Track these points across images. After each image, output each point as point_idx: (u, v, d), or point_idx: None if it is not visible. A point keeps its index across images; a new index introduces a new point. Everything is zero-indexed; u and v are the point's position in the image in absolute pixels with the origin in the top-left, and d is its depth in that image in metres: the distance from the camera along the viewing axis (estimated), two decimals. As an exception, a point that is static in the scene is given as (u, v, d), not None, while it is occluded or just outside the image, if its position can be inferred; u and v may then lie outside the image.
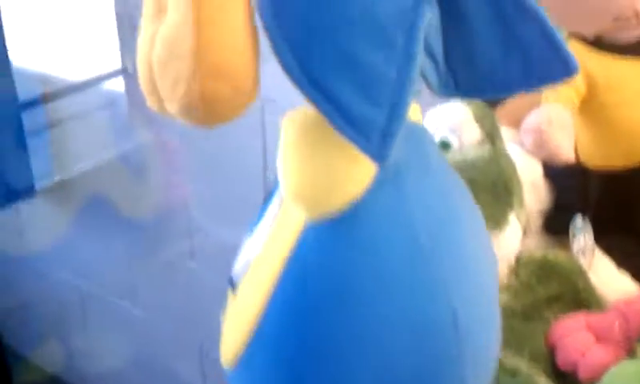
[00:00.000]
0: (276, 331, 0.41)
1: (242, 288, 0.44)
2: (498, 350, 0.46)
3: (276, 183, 0.44)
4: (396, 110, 0.34)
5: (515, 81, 0.40)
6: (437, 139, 0.61)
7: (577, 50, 0.75)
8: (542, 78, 0.40)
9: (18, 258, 1.99)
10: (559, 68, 0.39)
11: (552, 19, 0.77)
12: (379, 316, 0.40)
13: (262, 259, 0.43)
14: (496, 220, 0.58)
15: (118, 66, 1.69)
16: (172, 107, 0.35)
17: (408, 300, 0.40)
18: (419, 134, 0.42)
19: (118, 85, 1.72)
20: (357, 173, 0.38)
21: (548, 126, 0.69)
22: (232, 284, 0.46)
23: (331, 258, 0.40)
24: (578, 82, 0.74)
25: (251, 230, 0.46)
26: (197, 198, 1.61)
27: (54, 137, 1.85)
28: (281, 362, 0.41)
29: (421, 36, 0.34)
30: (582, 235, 0.69)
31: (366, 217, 0.39)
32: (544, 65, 0.39)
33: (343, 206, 0.38)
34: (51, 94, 1.75)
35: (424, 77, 0.40)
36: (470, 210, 0.45)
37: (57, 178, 1.80)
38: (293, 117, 0.40)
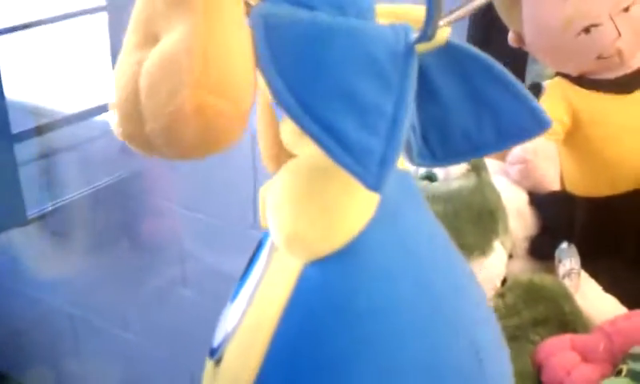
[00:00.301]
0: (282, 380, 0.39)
1: (229, 354, 0.41)
2: (511, 371, 0.45)
3: (260, 243, 0.43)
4: (393, 139, 0.34)
5: (489, 143, 0.41)
6: (423, 172, 0.63)
7: (562, 86, 0.79)
8: (515, 136, 0.41)
9: (11, 286, 1.99)
10: (531, 124, 0.40)
11: (539, 59, 0.80)
12: (396, 355, 0.38)
13: (253, 316, 0.40)
14: (481, 247, 0.60)
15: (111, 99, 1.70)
16: (156, 126, 0.33)
17: (427, 338, 0.39)
18: (408, 178, 0.43)
19: (111, 117, 1.74)
20: (355, 209, 0.38)
21: (533, 157, 0.72)
22: (213, 354, 0.43)
23: (336, 298, 0.38)
24: (563, 114, 0.77)
25: (233, 297, 0.44)
26: (188, 225, 1.62)
27: (47, 166, 1.86)
28: None
29: (413, 77, 0.35)
30: (568, 260, 0.71)
31: (369, 253, 0.38)
32: (516, 124, 0.41)
33: (343, 243, 0.38)
34: (45, 126, 1.77)
35: (405, 149, 0.41)
36: (452, 245, 0.45)
37: (49, 207, 1.80)
38: (278, 175, 0.40)
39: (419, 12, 0.37)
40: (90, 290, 1.89)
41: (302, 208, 0.38)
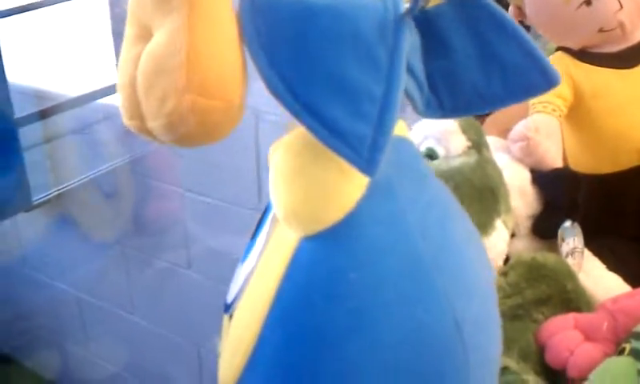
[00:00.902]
0: (276, 350, 0.40)
1: (237, 313, 0.44)
2: (500, 353, 0.46)
3: (266, 208, 0.45)
4: (383, 124, 0.34)
5: (497, 97, 0.41)
6: (424, 149, 0.63)
7: (564, 60, 0.78)
8: (523, 91, 0.41)
9: (17, 269, 2.01)
10: (540, 80, 0.40)
11: (540, 33, 0.79)
12: (382, 327, 0.39)
13: (256, 282, 0.43)
14: (483, 225, 0.59)
15: (115, 80, 1.70)
16: (156, 125, 0.35)
17: (411, 310, 0.39)
18: (406, 146, 0.43)
19: (114, 99, 1.74)
20: (348, 186, 0.38)
21: (535, 134, 0.71)
22: (227, 310, 0.45)
23: (328, 272, 0.39)
24: (565, 90, 0.76)
25: (244, 257, 0.46)
26: (193, 207, 1.62)
27: (51, 150, 1.86)
28: (282, 379, 0.41)
29: (404, 56, 0.35)
30: (572, 238, 0.70)
31: (360, 227, 0.39)
32: (525, 79, 0.40)
33: (336, 220, 0.39)
34: (48, 110, 1.77)
35: (409, 98, 0.41)
36: (461, 217, 0.46)
37: (54, 191, 1.81)
38: (281, 140, 0.40)
39: None
40: (96, 274, 1.90)
41: (297, 185, 0.39)
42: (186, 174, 1.61)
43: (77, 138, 1.86)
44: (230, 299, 0.45)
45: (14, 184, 1.63)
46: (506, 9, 0.80)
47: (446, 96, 0.42)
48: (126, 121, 0.37)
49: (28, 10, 1.82)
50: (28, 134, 1.68)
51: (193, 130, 0.34)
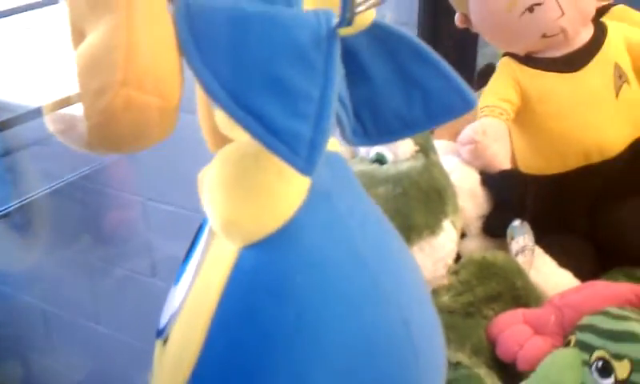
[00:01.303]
0: (220, 361, 0.39)
1: (174, 335, 0.42)
2: (445, 352, 0.47)
3: (199, 229, 0.44)
4: (321, 122, 0.34)
5: (419, 121, 0.43)
6: (373, 154, 0.64)
7: (510, 66, 0.80)
8: (444, 114, 0.43)
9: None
10: (459, 104, 0.42)
11: (487, 40, 0.81)
12: (330, 328, 0.39)
13: (194, 299, 0.41)
14: (431, 226, 0.61)
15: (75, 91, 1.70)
16: (89, 124, 0.34)
17: (360, 314, 0.39)
18: (340, 160, 0.44)
19: (75, 110, 1.73)
20: (288, 192, 0.38)
21: (483, 137, 0.73)
22: (160, 335, 0.44)
23: (272, 276, 0.39)
24: (511, 94, 0.78)
25: (177, 279, 0.45)
26: (155, 215, 1.62)
27: (11, 163, 1.84)
28: None
29: (337, 61, 0.36)
30: (521, 236, 0.72)
31: (302, 232, 0.39)
32: (444, 103, 0.42)
33: (277, 227, 0.39)
34: (9, 121, 1.75)
35: (338, 124, 0.42)
36: (392, 229, 0.46)
37: (16, 203, 1.79)
38: (214, 158, 0.40)
39: None
40: (59, 285, 1.89)
41: (235, 193, 0.39)
42: (147, 183, 1.61)
43: (36, 149, 1.85)
44: (162, 323, 0.44)
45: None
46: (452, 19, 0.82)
47: (370, 123, 0.44)
48: (54, 126, 0.37)
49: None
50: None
51: (127, 130, 0.34)
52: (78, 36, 0.35)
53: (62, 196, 1.76)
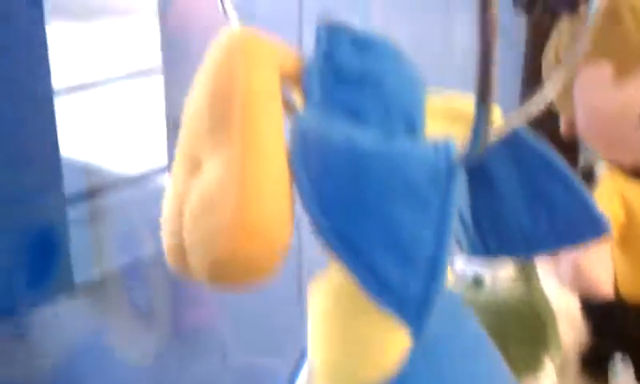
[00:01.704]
0: None
1: None
2: None
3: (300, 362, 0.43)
4: (434, 277, 0.33)
5: (544, 242, 0.40)
6: (471, 274, 0.61)
7: (615, 180, 0.76)
8: (571, 238, 0.40)
9: (55, 353, 2.01)
10: (589, 228, 0.39)
11: (591, 149, 0.78)
12: None
13: None
14: (529, 362, 0.58)
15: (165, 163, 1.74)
16: (201, 264, 0.34)
17: None
18: (453, 299, 0.41)
19: (163, 181, 1.77)
20: (391, 345, 0.36)
21: (585, 260, 0.69)
22: None
23: None
24: (616, 210, 0.74)
25: None
26: (229, 312, 1.62)
27: (96, 230, 1.89)
28: None
29: (455, 198, 0.34)
30: (622, 374, 0.68)
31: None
32: (573, 225, 0.39)
33: (376, 381, 0.36)
34: (97, 188, 1.80)
35: (456, 239, 0.40)
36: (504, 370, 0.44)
37: (96, 273, 1.82)
38: (320, 285, 0.38)
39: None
40: (126, 370, 1.89)
41: (335, 339, 0.37)
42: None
43: (123, 218, 1.89)
44: None
45: (57, 264, 1.65)
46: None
47: (491, 237, 0.41)
48: (169, 259, 0.36)
49: (84, 89, 1.88)
50: (75, 212, 1.71)
51: (238, 272, 0.33)
52: (191, 163, 0.35)
53: (142, 267, 1.78)
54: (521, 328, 0.58)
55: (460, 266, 0.63)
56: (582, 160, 1.01)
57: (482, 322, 0.56)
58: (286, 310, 1.46)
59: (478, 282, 0.61)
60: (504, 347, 0.55)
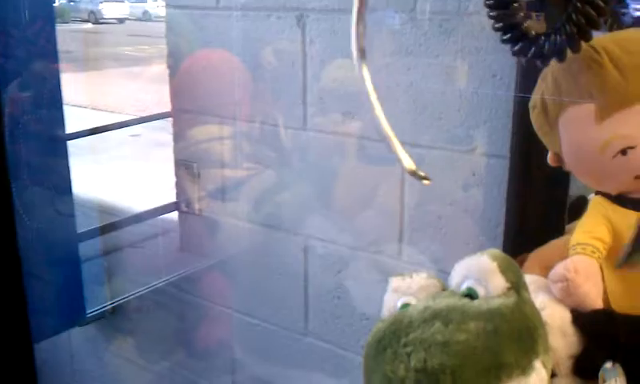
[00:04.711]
0: None
1: None
2: None
3: None
4: None
5: None
6: (464, 289, 0.65)
7: (602, 204, 0.80)
8: None
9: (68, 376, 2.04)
10: None
11: (579, 179, 0.82)
12: None
13: None
14: (521, 366, 0.60)
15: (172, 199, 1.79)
16: None
17: None
18: None
19: (171, 217, 1.83)
20: None
21: (575, 276, 0.73)
22: None
23: None
24: (604, 233, 0.78)
25: None
26: (240, 328, 1.66)
27: (108, 263, 1.93)
28: None
29: None
30: (613, 379, 0.71)
31: None
32: None
33: None
34: (109, 226, 1.85)
35: None
36: None
37: (108, 305, 1.87)
38: None
39: None
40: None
41: None
42: (235, 294, 1.66)
43: (133, 252, 1.94)
44: None
45: (70, 298, 1.69)
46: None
47: None
48: None
49: (95, 133, 1.94)
50: (88, 248, 1.76)
51: None
52: None
53: (151, 301, 1.82)
54: (512, 334, 0.61)
55: (454, 279, 0.67)
56: (575, 189, 1.06)
57: (477, 329, 0.60)
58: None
59: (471, 293, 0.64)
60: (497, 352, 0.60)
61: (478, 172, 1.18)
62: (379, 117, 0.66)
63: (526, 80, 0.88)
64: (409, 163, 0.67)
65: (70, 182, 1.62)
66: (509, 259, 0.66)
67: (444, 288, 0.69)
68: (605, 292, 0.80)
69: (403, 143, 1.26)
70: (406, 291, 0.68)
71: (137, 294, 1.85)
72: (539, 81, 0.82)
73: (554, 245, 0.93)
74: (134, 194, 2.05)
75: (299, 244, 1.44)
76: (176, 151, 1.72)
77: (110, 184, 2.09)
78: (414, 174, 0.66)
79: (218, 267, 1.68)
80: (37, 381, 1.61)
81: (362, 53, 0.69)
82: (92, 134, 1.94)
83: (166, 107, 1.74)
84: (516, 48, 0.74)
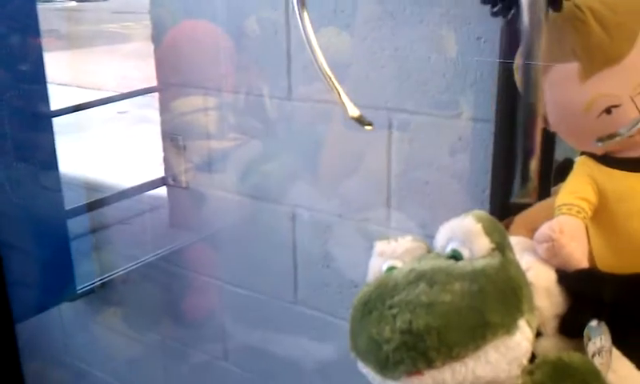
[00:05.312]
0: None
1: None
2: None
3: None
4: None
5: None
6: (449, 250, 0.65)
7: (588, 165, 0.80)
8: None
9: (60, 358, 2.05)
10: None
11: (564, 140, 0.82)
12: None
13: None
14: (506, 325, 0.61)
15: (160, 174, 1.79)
16: None
17: None
18: None
19: (160, 191, 1.82)
20: None
21: (560, 236, 0.73)
22: None
23: None
24: (589, 193, 0.78)
25: None
26: (230, 299, 1.66)
27: (97, 240, 1.93)
28: None
29: None
30: (598, 337, 0.71)
31: None
32: None
33: None
34: (96, 202, 1.84)
35: None
36: None
37: (97, 280, 1.87)
38: None
39: None
40: (135, 365, 1.93)
41: None
42: (224, 266, 1.66)
43: (122, 228, 1.93)
44: None
45: (60, 275, 1.69)
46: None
47: None
48: None
49: (81, 109, 1.93)
50: (76, 225, 1.76)
51: None
52: None
53: (141, 275, 1.82)
54: (497, 294, 0.61)
55: (439, 241, 0.67)
56: (562, 148, 1.06)
57: (462, 289, 0.60)
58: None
59: (456, 255, 0.64)
60: (482, 312, 0.60)
61: (464, 137, 1.18)
62: (322, 65, 0.68)
63: (511, 42, 0.87)
64: (352, 110, 0.68)
65: (55, 158, 1.61)
66: (493, 220, 0.66)
67: (429, 251, 0.69)
68: (590, 252, 0.81)
69: (389, 109, 1.26)
70: (392, 255, 0.68)
71: (127, 269, 1.85)
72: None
73: (539, 207, 0.93)
74: (122, 171, 2.04)
75: (287, 213, 1.44)
76: (163, 125, 1.71)
77: (97, 161, 2.08)
78: (357, 120, 0.68)
79: (207, 241, 1.68)
80: (19, 357, 1.62)
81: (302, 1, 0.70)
82: (77, 111, 1.92)
83: (153, 83, 1.73)
84: (495, 9, 0.74)
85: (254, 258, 1.55)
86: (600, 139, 0.75)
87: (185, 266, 1.76)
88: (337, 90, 0.71)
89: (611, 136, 0.73)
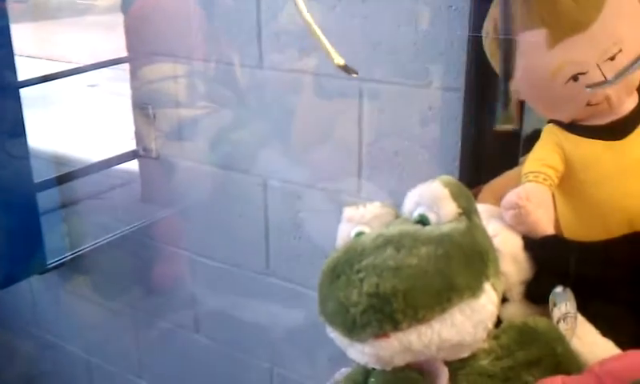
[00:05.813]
0: None
1: None
2: None
3: None
4: None
5: None
6: (416, 216, 0.65)
7: (555, 132, 0.81)
8: None
9: (30, 331, 2.03)
10: None
11: (532, 107, 0.83)
12: None
13: None
14: (472, 288, 0.61)
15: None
16: None
17: None
18: None
19: (132, 166, 1.81)
20: None
21: (526, 203, 0.74)
22: None
23: None
24: (556, 160, 0.79)
25: None
26: (201, 270, 1.66)
27: (67, 215, 1.91)
28: None
29: None
30: (564, 303, 0.72)
31: None
32: None
33: None
34: (66, 175, 1.82)
35: None
36: None
37: (69, 255, 1.85)
38: None
39: None
40: (105, 337, 1.93)
41: None
42: (196, 238, 1.65)
43: (93, 203, 1.92)
44: None
45: (30, 247, 1.67)
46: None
47: None
48: None
49: (50, 80, 1.90)
50: (45, 199, 1.73)
51: None
52: None
53: (113, 249, 1.81)
54: (462, 258, 0.62)
55: (407, 207, 0.67)
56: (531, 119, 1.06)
57: (428, 253, 0.61)
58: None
59: (423, 220, 0.65)
60: (448, 275, 0.60)
61: (435, 106, 1.19)
62: (307, 19, 0.69)
63: (482, 10, 0.87)
64: (338, 59, 0.71)
65: (23, 127, 1.59)
66: (460, 185, 0.67)
67: (398, 216, 0.69)
68: (556, 219, 0.82)
69: (359, 78, 1.25)
70: (360, 220, 0.68)
71: (98, 243, 1.84)
72: (492, 7, 0.81)
73: (507, 176, 0.94)
74: (93, 145, 2.02)
75: (258, 183, 1.44)
76: (133, 95, 1.69)
77: (68, 136, 2.05)
78: (343, 68, 0.71)
79: (179, 213, 1.68)
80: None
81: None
82: (46, 81, 1.89)
83: (123, 55, 1.71)
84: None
85: (226, 228, 1.54)
86: (589, 86, 0.75)
87: (156, 239, 1.75)
88: (321, 39, 0.71)
89: (600, 83, 0.74)
